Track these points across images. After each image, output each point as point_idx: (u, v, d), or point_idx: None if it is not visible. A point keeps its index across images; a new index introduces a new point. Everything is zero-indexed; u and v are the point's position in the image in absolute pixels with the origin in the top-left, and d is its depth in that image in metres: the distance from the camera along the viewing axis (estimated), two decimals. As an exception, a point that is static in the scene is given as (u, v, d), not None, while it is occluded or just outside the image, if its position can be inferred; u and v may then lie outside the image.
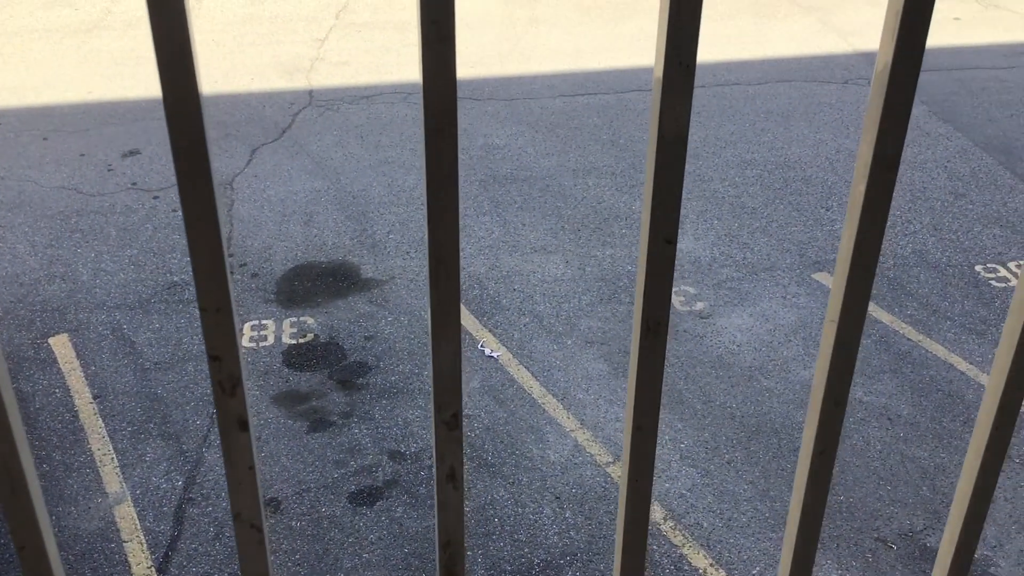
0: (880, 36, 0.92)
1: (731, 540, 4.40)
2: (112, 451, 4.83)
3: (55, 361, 5.47)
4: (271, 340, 5.68)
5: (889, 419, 5.11)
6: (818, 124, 8.61)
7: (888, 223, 7.00)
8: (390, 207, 7.19)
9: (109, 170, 7.70)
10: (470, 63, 9.90)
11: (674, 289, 6.22)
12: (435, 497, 1.09)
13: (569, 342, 5.71)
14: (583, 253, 6.62)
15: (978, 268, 6.46)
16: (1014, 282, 6.29)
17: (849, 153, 8.07)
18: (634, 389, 1.05)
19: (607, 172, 7.75)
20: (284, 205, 7.20)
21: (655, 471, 4.76)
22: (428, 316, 0.97)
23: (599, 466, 4.80)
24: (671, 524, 4.47)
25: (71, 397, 5.19)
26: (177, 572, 4.17)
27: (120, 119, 8.58)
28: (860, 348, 5.64)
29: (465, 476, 4.71)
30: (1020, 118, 8.73)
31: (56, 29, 10.72)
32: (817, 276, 6.37)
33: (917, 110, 8.85)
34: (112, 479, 4.67)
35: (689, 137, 8.62)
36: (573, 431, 5.02)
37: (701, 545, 4.36)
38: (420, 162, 7.80)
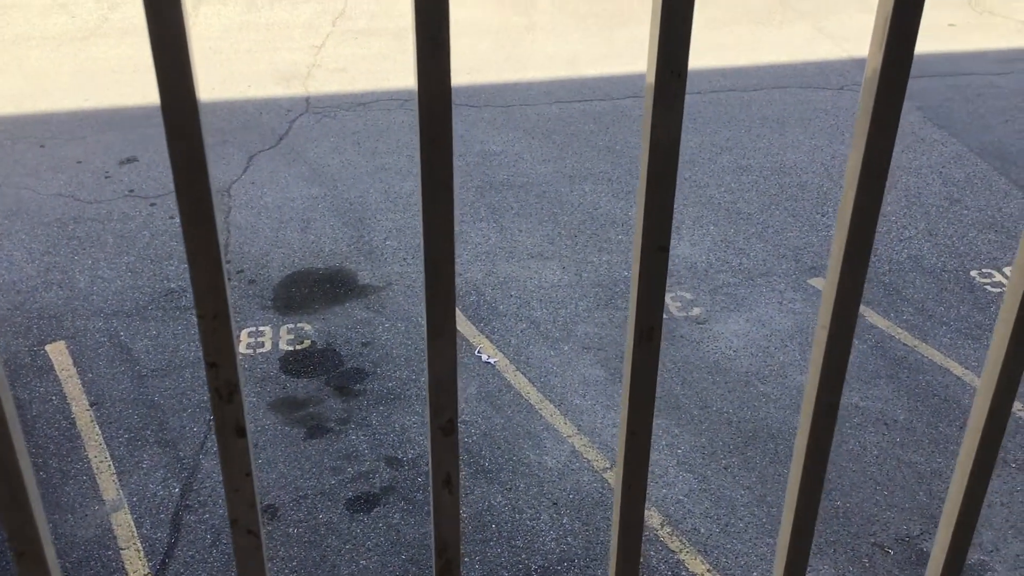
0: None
1: (728, 546, 4.40)
2: (109, 458, 4.83)
3: (52, 368, 5.47)
4: (268, 346, 5.69)
5: (885, 424, 5.12)
6: (813, 130, 8.63)
7: (883, 228, 7.02)
8: (387, 213, 7.20)
9: (106, 177, 7.70)
10: (466, 70, 9.92)
11: (671, 294, 6.23)
12: (431, 503, 1.10)
13: (566, 348, 5.71)
14: (580, 259, 6.63)
15: (973, 273, 6.48)
16: (1009, 287, 6.29)
17: (844, 159, 8.10)
18: (628, 395, 1.06)
19: (603, 178, 7.76)
20: (281, 212, 7.20)
21: (652, 477, 4.77)
22: (424, 322, 0.98)
23: (596, 472, 4.81)
24: (668, 530, 4.47)
25: (68, 404, 5.19)
26: (174, 579, 4.17)
27: (117, 126, 8.59)
28: (856, 353, 5.66)
29: (462, 482, 4.72)
30: (1014, 123, 8.76)
31: (53, 37, 10.73)
32: (813, 281, 6.39)
33: (912, 116, 8.88)
34: (109, 486, 4.66)
35: (685, 143, 8.66)
36: (570, 437, 5.03)
37: (698, 551, 4.37)
38: (417, 169, 7.81)
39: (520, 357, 5.62)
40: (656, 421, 5.13)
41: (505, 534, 4.44)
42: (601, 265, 6.56)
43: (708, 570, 4.27)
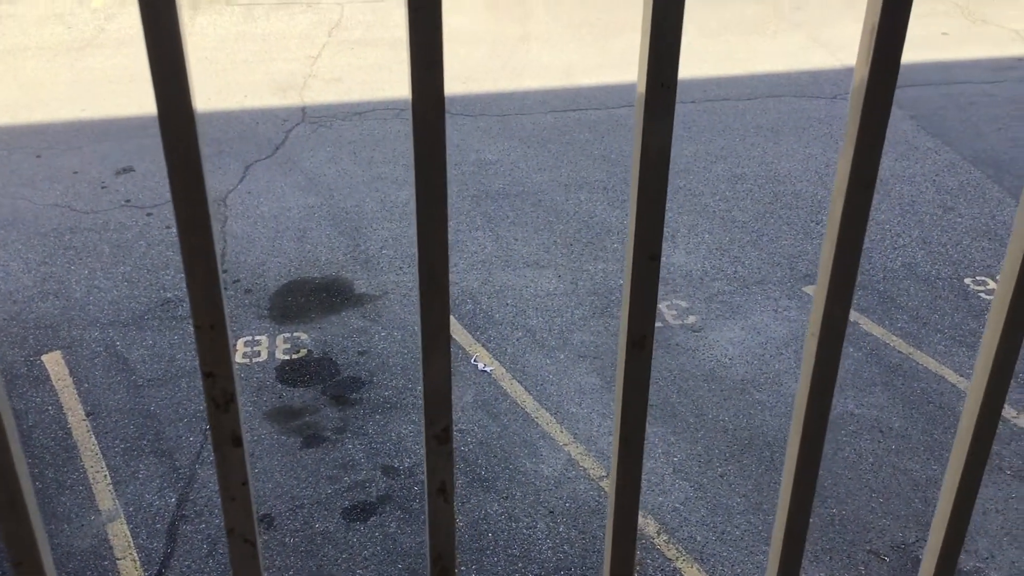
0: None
1: (725, 553, 4.40)
2: (105, 468, 4.83)
3: (48, 378, 5.47)
4: (264, 356, 5.69)
5: (881, 431, 5.13)
6: (807, 139, 8.66)
7: (878, 236, 7.04)
8: (383, 223, 7.21)
9: (103, 187, 7.71)
10: (462, 79, 9.95)
11: (666, 303, 6.24)
12: (426, 511, 1.10)
13: (562, 356, 5.72)
14: (575, 267, 6.65)
15: (967, 281, 6.50)
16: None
17: (839, 167, 8.11)
18: (621, 403, 1.07)
19: (599, 187, 7.78)
20: (277, 221, 7.21)
21: (648, 485, 4.77)
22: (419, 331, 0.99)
23: (592, 480, 4.81)
24: (665, 538, 4.47)
25: (64, 414, 5.18)
26: (170, 589, 4.16)
27: (113, 137, 8.59)
28: (851, 361, 5.67)
29: (457, 490, 4.71)
30: (1008, 132, 8.80)
31: (49, 47, 10.74)
32: (807, 289, 6.40)
33: (906, 124, 8.92)
34: (105, 496, 4.66)
35: (680, 152, 8.68)
36: (566, 445, 5.03)
37: (695, 559, 4.37)
38: (413, 178, 7.82)
39: (516, 365, 5.63)
40: (652, 429, 5.13)
41: (501, 543, 4.44)
42: (597, 273, 6.57)
43: (704, 578, 4.27)
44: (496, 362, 5.66)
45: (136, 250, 6.81)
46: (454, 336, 5.84)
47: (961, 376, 5.55)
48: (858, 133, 0.94)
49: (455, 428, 5.12)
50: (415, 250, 0.93)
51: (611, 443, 5.08)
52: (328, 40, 11.08)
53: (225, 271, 6.54)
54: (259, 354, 5.70)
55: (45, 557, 0.99)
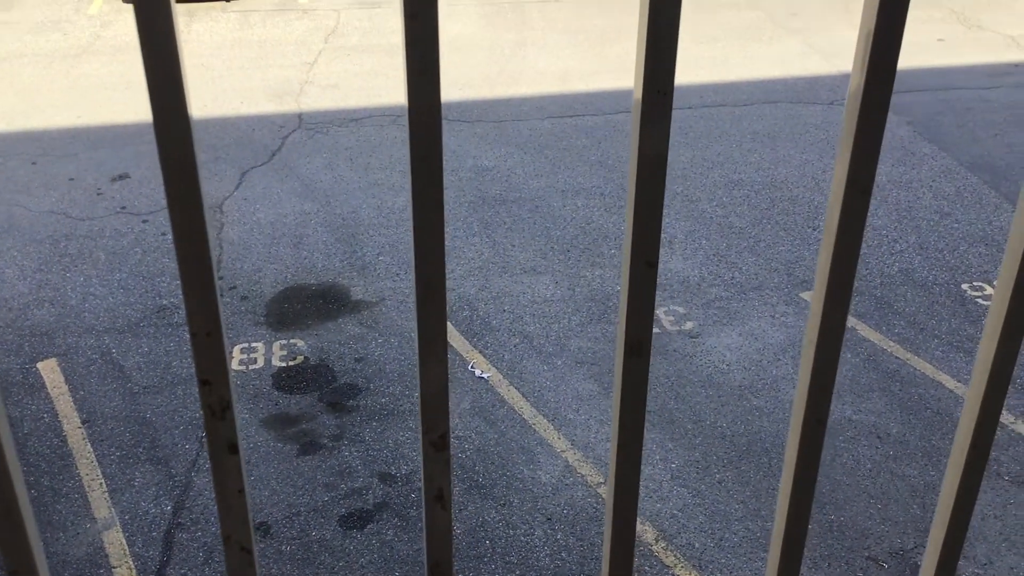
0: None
1: (723, 560, 4.40)
2: (101, 476, 4.81)
3: (43, 386, 5.45)
4: (261, 363, 5.68)
5: (879, 437, 5.13)
6: (804, 144, 8.68)
7: (875, 242, 7.05)
8: (380, 229, 7.21)
9: (98, 194, 7.70)
10: (459, 85, 9.96)
11: (664, 309, 6.24)
12: (423, 519, 1.10)
13: (559, 362, 5.72)
14: (572, 274, 6.65)
15: (964, 286, 6.51)
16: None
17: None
18: (618, 410, 1.07)
19: (595, 193, 7.79)
20: (274, 228, 7.21)
21: (646, 491, 4.76)
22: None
23: (590, 486, 4.80)
24: (663, 544, 4.47)
25: (59, 422, 5.17)
26: (166, 597, 4.15)
27: (109, 143, 8.59)
28: (849, 367, 5.67)
29: (455, 497, 4.71)
30: (1004, 137, 8.82)
31: (45, 54, 10.74)
32: (805, 295, 6.41)
33: (902, 130, 8.94)
34: (101, 504, 4.64)
35: (677, 158, 8.69)
36: (564, 451, 5.02)
37: (693, 565, 4.36)
38: (409, 184, 7.82)
39: (513, 372, 5.62)
40: (650, 435, 5.13)
41: (499, 550, 4.43)
42: (594, 279, 6.57)
43: (702, 585, 4.27)
44: (493, 368, 5.65)
45: (132, 257, 6.80)
46: (451, 342, 5.84)
47: (959, 381, 5.55)
48: (854, 139, 0.94)
49: (452, 435, 5.11)
50: (412, 256, 0.93)
51: (608, 449, 5.08)
52: (324, 46, 11.09)
53: (221, 278, 6.54)
54: (255, 361, 5.69)
55: (41, 566, 0.98)
